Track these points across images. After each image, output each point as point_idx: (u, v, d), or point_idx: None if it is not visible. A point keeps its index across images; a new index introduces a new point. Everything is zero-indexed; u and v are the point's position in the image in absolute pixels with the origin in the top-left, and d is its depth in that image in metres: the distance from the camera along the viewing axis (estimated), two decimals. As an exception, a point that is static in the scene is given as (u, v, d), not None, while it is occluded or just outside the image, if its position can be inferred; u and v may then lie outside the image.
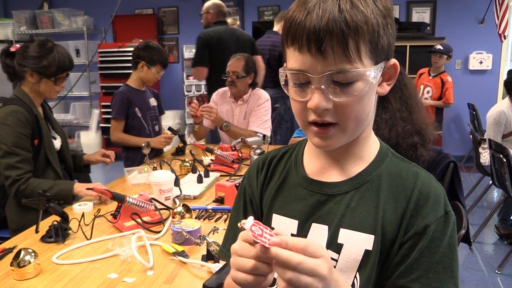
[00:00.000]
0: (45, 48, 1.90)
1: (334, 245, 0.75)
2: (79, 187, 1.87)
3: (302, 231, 0.78)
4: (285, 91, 0.72)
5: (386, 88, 0.74)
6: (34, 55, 1.88)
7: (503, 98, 3.80)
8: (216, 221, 1.64)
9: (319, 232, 0.76)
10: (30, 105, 1.92)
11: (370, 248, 0.72)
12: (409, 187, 0.74)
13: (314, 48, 0.65)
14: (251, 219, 0.63)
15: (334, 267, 0.74)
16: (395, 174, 0.76)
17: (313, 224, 0.77)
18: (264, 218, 0.85)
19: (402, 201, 0.73)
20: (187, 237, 1.36)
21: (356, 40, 0.65)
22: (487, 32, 5.44)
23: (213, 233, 1.40)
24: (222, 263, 1.24)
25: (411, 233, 0.71)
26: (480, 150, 4.00)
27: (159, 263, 1.31)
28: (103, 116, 5.73)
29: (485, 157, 3.92)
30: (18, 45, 1.95)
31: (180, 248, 1.36)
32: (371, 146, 0.79)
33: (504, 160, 3.00)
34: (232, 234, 0.91)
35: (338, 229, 0.74)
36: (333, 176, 0.79)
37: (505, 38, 5.02)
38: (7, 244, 1.45)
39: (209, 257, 1.28)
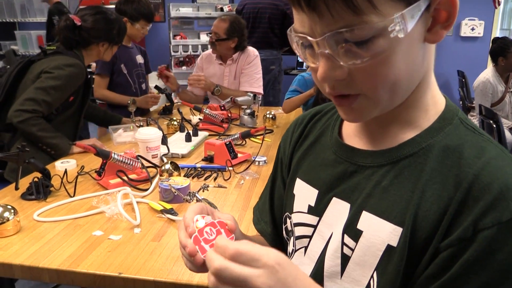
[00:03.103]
0: (111, 19, 2.07)
1: (352, 230, 0.60)
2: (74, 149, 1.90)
3: (320, 204, 0.66)
4: (299, 56, 0.58)
5: (441, 34, 0.52)
6: (106, 27, 2.04)
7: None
8: (205, 179, 1.58)
9: (338, 209, 0.63)
10: (85, 68, 2.01)
11: (394, 243, 0.55)
12: (465, 168, 0.53)
13: (304, 3, 0.50)
14: (208, 218, 0.58)
15: (349, 257, 0.61)
16: (453, 149, 0.56)
17: (334, 199, 0.64)
18: (288, 182, 0.75)
19: (451, 187, 0.53)
20: (175, 194, 1.30)
21: None
22: (480, -2, 5.36)
23: (203, 191, 1.34)
24: (213, 221, 1.19)
25: (454, 237, 0.51)
26: (469, 117, 3.99)
27: (147, 221, 1.25)
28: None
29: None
30: (75, 16, 2.00)
31: (168, 206, 1.30)
32: (428, 109, 0.59)
33: (494, 126, 2.98)
34: (263, 197, 0.86)
35: (360, 211, 0.60)
36: (370, 143, 0.63)
37: (499, 4, 4.94)
38: (-16, 201, 1.38)
39: (199, 215, 1.22)
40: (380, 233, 0.57)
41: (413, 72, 0.54)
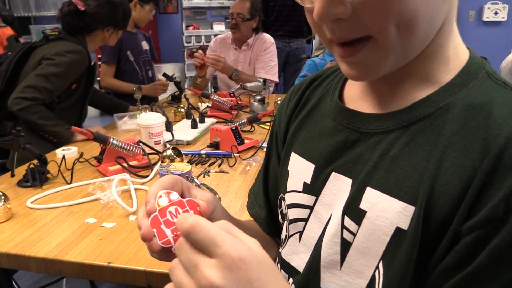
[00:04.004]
0: (115, 3, 1.99)
1: (354, 210, 0.50)
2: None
3: (317, 181, 0.56)
4: None
5: None
6: (111, 11, 1.96)
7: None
8: (209, 166, 1.50)
9: (338, 186, 0.53)
10: (89, 54, 1.94)
11: (404, 226, 0.46)
12: (495, 130, 0.43)
13: None
14: (174, 195, 0.46)
15: (351, 243, 0.51)
16: (479, 108, 0.45)
17: (333, 174, 0.54)
18: (283, 158, 0.65)
19: (476, 155, 0.43)
20: (173, 179, 1.22)
21: None
22: (504, -20, 5.13)
23: (204, 176, 1.26)
24: (212, 207, 1.11)
25: (480, 216, 0.41)
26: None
27: (143, 208, 1.18)
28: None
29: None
30: (78, 1, 1.92)
31: (167, 193, 1.22)
32: (449, 61, 0.49)
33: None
34: (260, 176, 0.76)
35: (363, 187, 0.50)
36: (376, 105, 0.53)
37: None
38: (-20, 188, 1.32)
39: (198, 201, 1.14)
40: (387, 213, 0.47)
41: (433, 11, 0.43)
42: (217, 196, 1.09)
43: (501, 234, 0.40)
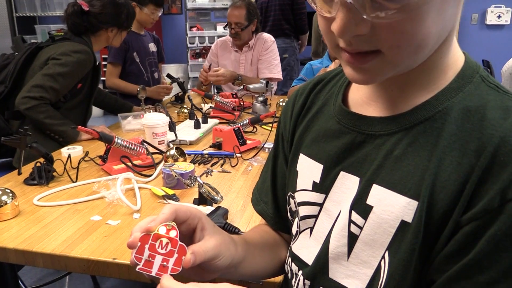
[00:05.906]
0: (119, 4, 2.02)
1: (361, 206, 0.54)
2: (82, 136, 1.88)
3: (326, 180, 0.60)
4: (309, 2, 0.50)
5: None
6: (114, 12, 2.00)
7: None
8: (212, 166, 1.53)
9: (347, 184, 0.57)
10: (94, 54, 1.97)
11: (409, 219, 0.50)
12: (489, 131, 0.47)
13: None
14: (173, 233, 0.50)
15: (357, 236, 0.55)
16: (474, 111, 0.49)
17: (341, 173, 0.58)
18: (291, 158, 0.69)
19: (471, 153, 0.47)
20: (176, 177, 1.25)
21: None
22: (507, -17, 5.14)
23: (206, 176, 1.29)
24: (215, 206, 1.14)
25: (477, 208, 0.45)
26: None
27: (147, 206, 1.20)
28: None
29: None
30: (83, 2, 1.95)
31: (170, 192, 1.25)
32: (447, 69, 0.53)
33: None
34: (263, 176, 0.79)
35: (370, 185, 0.54)
36: (379, 109, 0.56)
37: (527, -11, 4.72)
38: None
39: (201, 200, 1.17)
40: (392, 208, 0.51)
41: (441, 31, 0.47)
42: (219, 195, 1.12)
43: (497, 223, 0.44)
